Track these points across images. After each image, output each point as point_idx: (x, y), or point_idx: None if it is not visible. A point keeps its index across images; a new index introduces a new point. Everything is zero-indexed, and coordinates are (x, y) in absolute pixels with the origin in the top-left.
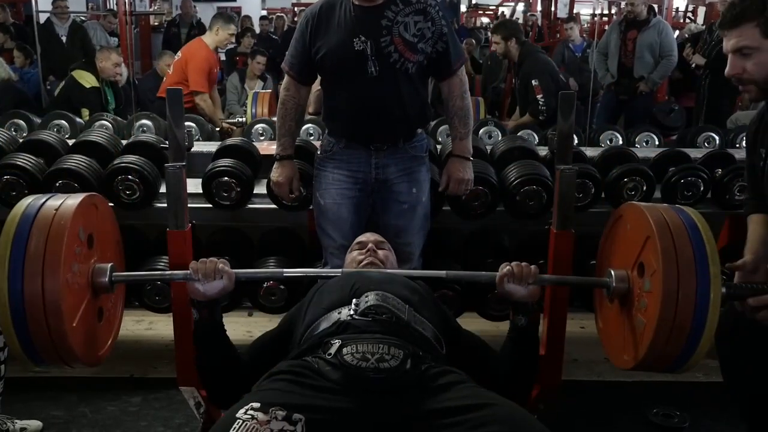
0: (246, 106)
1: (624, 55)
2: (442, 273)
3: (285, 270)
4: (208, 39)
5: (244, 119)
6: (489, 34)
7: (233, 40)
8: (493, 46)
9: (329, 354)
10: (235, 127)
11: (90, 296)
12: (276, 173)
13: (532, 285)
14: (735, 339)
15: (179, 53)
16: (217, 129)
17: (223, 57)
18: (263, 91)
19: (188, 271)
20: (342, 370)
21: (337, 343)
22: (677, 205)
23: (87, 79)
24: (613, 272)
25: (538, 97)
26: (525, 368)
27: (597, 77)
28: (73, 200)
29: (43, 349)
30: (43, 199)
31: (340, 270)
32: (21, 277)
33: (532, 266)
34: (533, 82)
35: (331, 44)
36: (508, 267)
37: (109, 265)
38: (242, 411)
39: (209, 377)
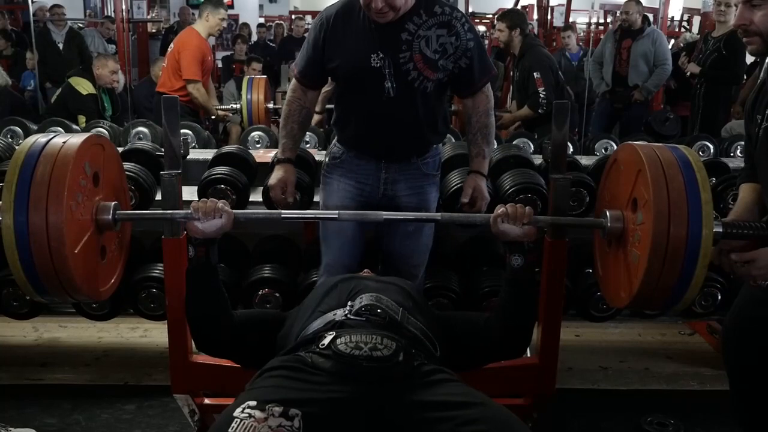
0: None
1: (618, 63)
2: (438, 215)
3: (282, 212)
4: (200, 27)
5: (238, 105)
6: (496, 20)
7: (224, 25)
8: (496, 33)
9: (322, 345)
10: (230, 114)
11: (93, 231)
12: (271, 177)
13: (527, 225)
14: (742, 329)
15: (171, 44)
16: (212, 117)
17: (219, 64)
18: (258, 76)
19: (189, 211)
20: (335, 359)
21: (330, 335)
22: (671, 144)
23: (84, 86)
24: (608, 212)
25: (540, 89)
26: (523, 312)
27: (592, 86)
28: (80, 137)
29: (45, 274)
30: (51, 136)
31: (336, 212)
32: (26, 201)
33: (527, 207)
34: (535, 74)
35: (346, 56)
36: (502, 208)
37: (113, 203)
38: (239, 410)
39: (197, 317)
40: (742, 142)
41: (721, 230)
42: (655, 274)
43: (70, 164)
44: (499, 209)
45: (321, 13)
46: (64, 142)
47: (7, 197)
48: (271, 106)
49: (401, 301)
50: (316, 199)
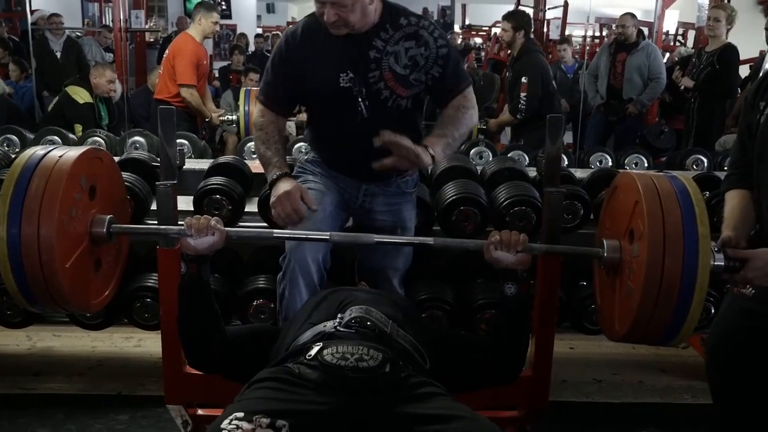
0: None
1: (613, 76)
2: (430, 240)
3: (275, 231)
4: (194, 31)
5: (235, 117)
6: (502, 19)
7: (218, 28)
8: (500, 32)
9: (309, 356)
10: (226, 118)
11: (87, 244)
12: (282, 186)
13: (521, 252)
14: (728, 344)
15: (167, 50)
16: (206, 119)
17: (216, 74)
18: (255, 88)
19: (182, 227)
20: (321, 370)
21: (318, 346)
22: (671, 173)
23: (81, 95)
24: (605, 242)
25: (522, 95)
26: (516, 337)
27: (587, 98)
28: (77, 150)
29: (35, 285)
30: (49, 149)
31: (328, 234)
32: (19, 214)
33: (521, 234)
34: (523, 79)
35: (314, 77)
36: (496, 235)
37: (109, 216)
38: (226, 422)
39: (188, 334)
40: None
41: (722, 263)
42: (649, 308)
43: (64, 179)
44: (493, 237)
45: (286, 32)
46: (61, 156)
47: (1, 209)
48: None
49: (391, 313)
50: (249, 208)
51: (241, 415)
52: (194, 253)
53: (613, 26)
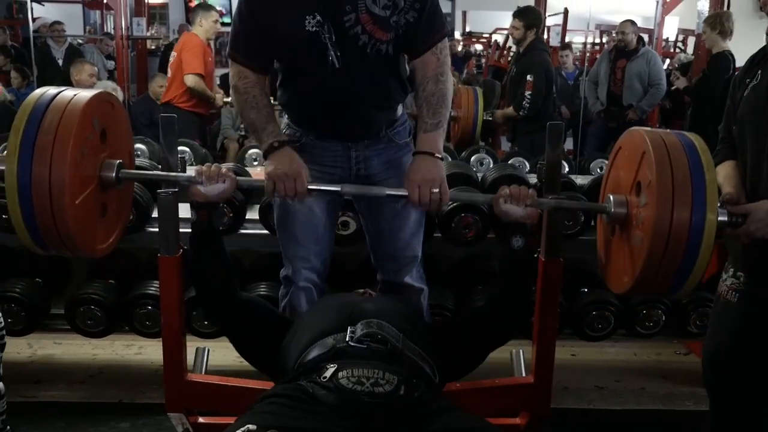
0: (241, 130)
1: (613, 83)
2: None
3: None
4: (197, 31)
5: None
6: (513, 17)
7: (219, 26)
8: (510, 29)
9: (324, 378)
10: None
11: (96, 187)
12: (284, 160)
13: (530, 207)
14: (723, 362)
15: (173, 53)
16: (212, 100)
17: (217, 81)
18: None
19: (192, 174)
20: (337, 394)
21: (332, 367)
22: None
23: None
24: (611, 197)
25: (527, 93)
26: (520, 290)
27: (587, 105)
28: (90, 92)
29: (43, 222)
30: (61, 89)
31: (339, 186)
32: (31, 149)
33: (530, 189)
34: (528, 76)
35: (280, 24)
36: (505, 189)
37: (118, 161)
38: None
39: (202, 282)
40: None
41: (725, 219)
42: (658, 254)
43: (78, 115)
44: (503, 190)
45: None
46: (75, 95)
47: (13, 143)
48: None
49: (400, 325)
50: (250, 215)
51: (253, 427)
52: (204, 200)
53: (613, 33)
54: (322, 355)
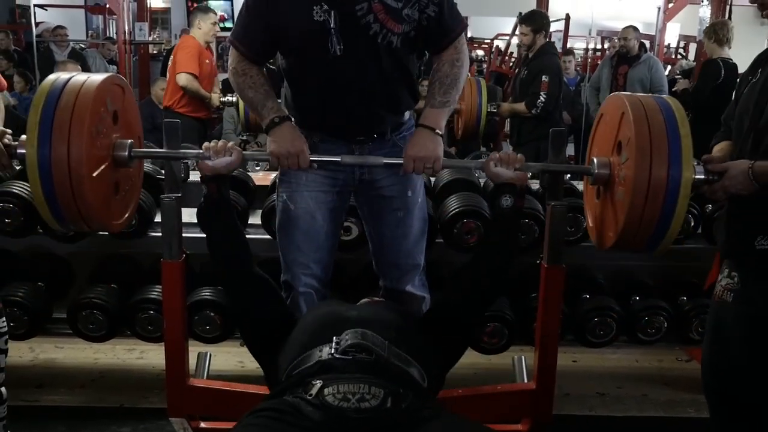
0: (242, 134)
1: (615, 89)
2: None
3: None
4: (195, 34)
5: (235, 98)
6: (519, 23)
7: (218, 28)
8: (519, 36)
9: (310, 395)
10: (223, 101)
11: (110, 164)
12: (287, 136)
13: (519, 169)
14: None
15: (171, 57)
16: (207, 99)
17: (220, 86)
18: None
19: (200, 150)
20: (323, 411)
21: (318, 383)
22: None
23: None
24: (595, 159)
25: (542, 93)
26: (505, 247)
27: (589, 111)
28: (101, 75)
29: (63, 195)
30: (72, 74)
31: (339, 157)
32: (50, 125)
33: (519, 155)
34: (543, 77)
35: (287, 14)
36: (496, 154)
37: (130, 141)
38: None
39: (217, 254)
40: None
41: (702, 176)
42: (639, 205)
43: (93, 93)
44: (493, 155)
45: None
46: (87, 78)
47: (32, 121)
48: None
49: (386, 332)
50: (252, 220)
51: None
52: (212, 173)
53: (615, 39)
54: (307, 369)
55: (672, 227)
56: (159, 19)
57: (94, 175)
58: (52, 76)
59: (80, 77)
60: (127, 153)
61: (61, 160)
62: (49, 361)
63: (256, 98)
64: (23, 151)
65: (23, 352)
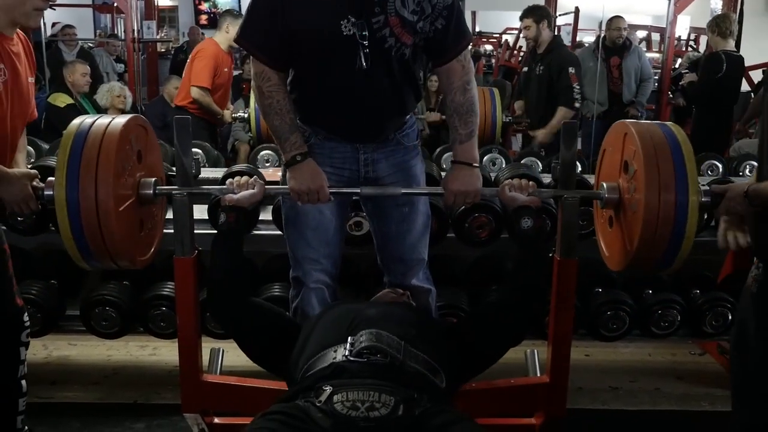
0: (251, 133)
1: (611, 82)
2: (442, 189)
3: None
4: (219, 38)
5: (247, 114)
6: (521, 19)
7: None
8: (523, 32)
9: (320, 401)
10: (235, 118)
11: (135, 201)
12: (307, 174)
13: (531, 194)
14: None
15: (189, 59)
16: (218, 116)
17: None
18: None
19: (226, 186)
20: (332, 419)
21: (328, 390)
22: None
23: (61, 99)
24: (604, 184)
25: (574, 85)
26: (534, 270)
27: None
28: (124, 117)
29: (90, 233)
30: (96, 117)
31: (359, 188)
32: (78, 164)
33: (530, 181)
34: (570, 69)
35: (310, 24)
36: (509, 181)
37: (154, 179)
38: None
39: (215, 279)
40: (753, 162)
41: (708, 199)
42: (653, 224)
43: (119, 132)
44: (507, 182)
45: None
46: (112, 119)
47: (61, 160)
48: None
49: (402, 333)
50: (263, 217)
51: None
52: (233, 203)
53: (602, 30)
54: (320, 371)
55: (683, 248)
56: (167, 17)
57: (120, 210)
58: (76, 120)
59: (104, 120)
60: (152, 191)
61: (89, 197)
62: (63, 358)
63: (281, 128)
64: (51, 192)
65: (37, 350)
